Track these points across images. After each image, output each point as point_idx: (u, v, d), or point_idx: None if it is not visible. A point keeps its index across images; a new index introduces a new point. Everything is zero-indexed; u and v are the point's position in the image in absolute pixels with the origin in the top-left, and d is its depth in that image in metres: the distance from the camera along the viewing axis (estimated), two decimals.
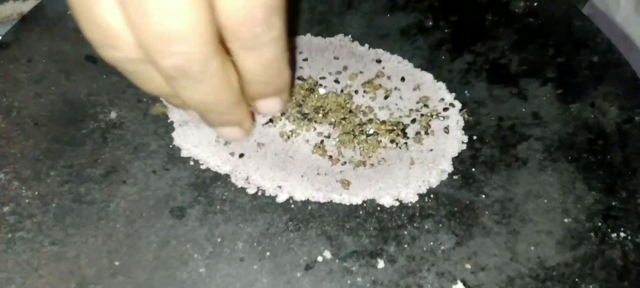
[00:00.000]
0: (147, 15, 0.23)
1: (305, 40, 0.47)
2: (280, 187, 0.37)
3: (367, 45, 0.46)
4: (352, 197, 0.36)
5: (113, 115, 0.40)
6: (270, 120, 0.40)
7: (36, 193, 0.36)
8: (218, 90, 0.27)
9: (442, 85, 0.43)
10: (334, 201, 0.36)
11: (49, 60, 0.43)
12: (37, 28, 0.45)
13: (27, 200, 0.35)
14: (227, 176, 0.38)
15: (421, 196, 0.37)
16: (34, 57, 0.43)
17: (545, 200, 0.36)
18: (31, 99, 0.41)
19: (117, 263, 0.33)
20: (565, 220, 0.35)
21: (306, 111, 0.41)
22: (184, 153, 0.39)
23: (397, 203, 0.36)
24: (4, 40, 0.44)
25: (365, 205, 0.36)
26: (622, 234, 0.34)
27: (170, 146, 0.39)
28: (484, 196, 0.37)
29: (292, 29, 0.47)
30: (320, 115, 0.41)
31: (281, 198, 0.36)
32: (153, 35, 0.24)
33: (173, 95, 0.28)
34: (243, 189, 0.37)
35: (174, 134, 0.39)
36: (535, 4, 0.48)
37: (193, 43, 0.24)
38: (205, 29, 0.24)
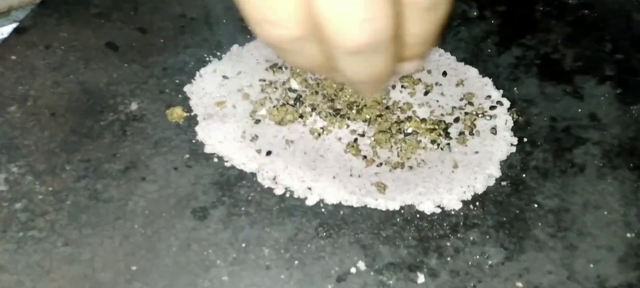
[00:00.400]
0: None
1: None
2: (310, 188, 0.34)
3: None
4: (388, 202, 0.33)
5: (134, 106, 0.38)
6: (301, 116, 0.37)
7: (50, 189, 0.34)
8: (389, 61, 0.24)
9: (488, 81, 0.39)
10: (368, 206, 0.33)
11: (67, 46, 0.41)
12: (57, 13, 0.43)
13: (40, 197, 0.33)
14: (254, 175, 0.35)
15: (466, 203, 0.33)
16: (52, 43, 0.41)
17: (605, 212, 0.33)
18: (48, 87, 0.39)
19: (134, 267, 0.31)
20: (628, 235, 0.32)
21: (339, 107, 0.38)
22: (207, 149, 0.36)
23: (438, 210, 0.33)
24: (21, 25, 0.42)
25: (403, 211, 0.33)
26: None
27: (193, 141, 0.37)
28: (536, 205, 0.33)
29: None
30: (354, 111, 0.38)
31: (311, 200, 0.33)
32: (336, 13, 0.21)
33: (329, 69, 0.26)
34: (270, 190, 0.34)
35: (197, 128, 0.37)
36: None
37: (381, 17, 0.21)
38: None
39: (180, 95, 0.39)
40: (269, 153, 0.35)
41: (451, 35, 0.42)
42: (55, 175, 0.34)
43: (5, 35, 0.46)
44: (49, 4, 0.43)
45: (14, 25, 0.43)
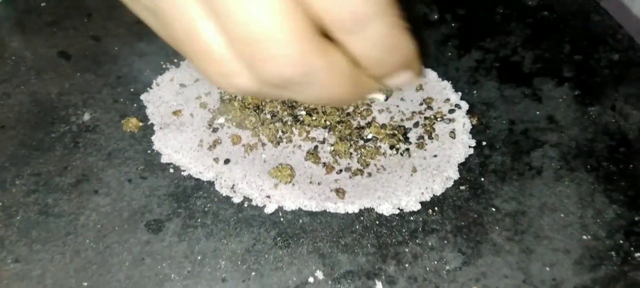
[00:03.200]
0: (233, 19, 0.20)
1: None
2: (268, 196, 0.33)
3: None
4: (347, 206, 0.33)
5: (86, 117, 0.37)
6: (261, 123, 0.37)
7: (0, 204, 0.33)
8: (331, 86, 0.23)
9: (447, 84, 0.39)
10: (328, 210, 0.33)
11: (18, 56, 0.40)
12: (7, 22, 0.42)
13: None
14: (211, 184, 0.34)
15: (425, 207, 0.33)
16: (2, 53, 0.40)
17: (562, 215, 0.33)
18: None
19: (85, 283, 0.30)
20: (584, 237, 0.32)
21: (299, 113, 0.37)
22: (164, 159, 0.35)
23: (397, 211, 0.33)
24: None
25: (362, 218, 0.33)
26: None
27: (149, 152, 0.36)
28: (494, 209, 0.33)
29: None
30: (314, 118, 0.37)
31: (270, 208, 0.33)
32: (244, 42, 0.20)
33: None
34: (228, 199, 0.34)
35: (153, 138, 0.36)
36: None
37: (288, 43, 0.20)
38: (299, 24, 0.20)
39: (135, 105, 0.38)
40: (227, 161, 0.35)
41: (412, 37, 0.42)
42: (4, 190, 0.33)
43: None
44: None
45: None
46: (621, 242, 0.32)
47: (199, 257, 0.31)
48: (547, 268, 0.31)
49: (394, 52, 0.25)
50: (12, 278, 0.30)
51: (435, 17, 0.44)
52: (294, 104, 0.38)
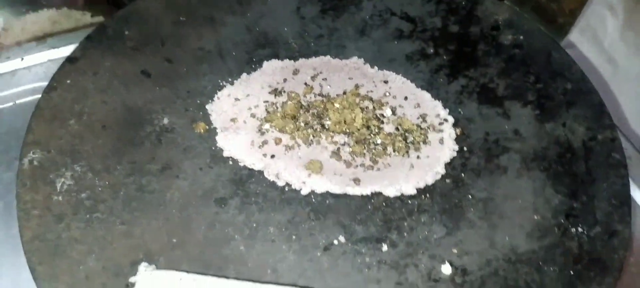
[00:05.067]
0: None
1: (325, 61, 0.55)
2: (304, 182, 0.45)
3: (376, 68, 0.54)
4: (362, 190, 0.45)
5: (165, 121, 0.49)
6: (297, 129, 0.48)
7: (107, 183, 0.44)
8: None
9: (438, 103, 0.51)
10: (348, 193, 0.45)
11: (111, 73, 0.52)
12: (100, 46, 0.53)
13: (99, 189, 0.44)
14: (261, 173, 0.46)
15: (419, 193, 0.45)
16: (98, 70, 0.52)
17: (520, 201, 0.45)
18: (98, 105, 0.49)
19: (174, 240, 0.41)
20: (535, 217, 0.44)
21: (325, 123, 0.49)
22: (225, 154, 0.47)
23: (399, 195, 0.44)
24: (73, 55, 0.52)
25: (373, 200, 0.45)
26: (579, 229, 0.43)
27: (213, 148, 0.47)
28: (470, 196, 0.45)
29: (313, 51, 0.55)
30: (337, 127, 0.49)
31: (305, 191, 0.45)
32: None
33: None
34: (273, 184, 0.45)
35: (217, 138, 0.48)
36: (521, 37, 0.57)
37: None
38: None
39: (201, 112, 0.50)
40: (272, 156, 0.47)
41: (412, 67, 0.54)
42: (109, 173, 0.45)
43: (50, 59, 0.58)
44: (93, 39, 0.54)
45: (52, 50, 0.56)
46: (562, 221, 0.43)
47: (255, 225, 0.43)
48: (507, 238, 0.42)
49: None
50: (121, 236, 0.41)
51: (431, 51, 0.56)
52: (322, 115, 0.50)
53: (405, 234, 0.43)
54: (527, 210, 0.44)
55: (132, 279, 0.39)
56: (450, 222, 0.43)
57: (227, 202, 0.44)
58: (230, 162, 0.47)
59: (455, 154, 0.47)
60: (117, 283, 0.39)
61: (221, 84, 0.52)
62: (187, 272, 0.39)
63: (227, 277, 0.39)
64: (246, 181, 0.45)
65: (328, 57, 0.55)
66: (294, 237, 0.42)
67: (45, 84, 0.50)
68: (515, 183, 0.46)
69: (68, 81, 0.50)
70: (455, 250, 0.42)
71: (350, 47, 0.56)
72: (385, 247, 0.42)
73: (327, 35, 0.57)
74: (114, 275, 0.39)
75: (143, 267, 0.39)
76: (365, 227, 0.43)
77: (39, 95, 0.49)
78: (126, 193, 0.44)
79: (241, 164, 0.46)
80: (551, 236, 0.42)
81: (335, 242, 0.42)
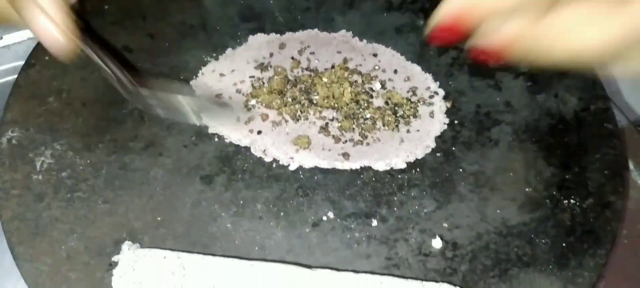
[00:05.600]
0: None
1: (312, 35, 0.54)
2: (292, 158, 0.44)
3: (365, 41, 0.53)
4: (351, 164, 0.44)
5: None
6: (285, 105, 0.47)
7: (88, 161, 0.43)
8: None
9: (428, 76, 0.50)
10: (336, 168, 0.44)
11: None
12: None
13: (81, 167, 0.43)
14: (247, 149, 0.45)
15: (409, 167, 0.44)
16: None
17: (511, 174, 0.44)
18: (78, 82, 0.48)
19: (159, 218, 0.40)
20: (527, 189, 0.43)
21: (313, 97, 0.48)
22: (210, 130, 0.46)
23: (388, 168, 0.44)
24: None
25: (362, 175, 0.44)
26: (572, 201, 0.42)
27: (198, 124, 0.46)
28: (461, 170, 0.44)
29: (300, 25, 0.54)
30: (325, 102, 0.48)
31: (292, 166, 0.44)
32: None
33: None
34: (260, 160, 0.44)
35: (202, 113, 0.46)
36: None
37: None
38: None
39: (185, 89, 0.48)
40: (259, 132, 0.46)
41: (402, 39, 0.53)
42: (91, 151, 0.44)
43: (30, 37, 0.56)
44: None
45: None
46: (554, 193, 0.43)
47: (242, 202, 0.42)
48: (498, 211, 0.42)
49: None
50: (103, 214, 0.40)
51: (421, 22, 0.55)
52: (310, 90, 0.48)
53: (395, 209, 0.42)
54: (519, 182, 0.43)
55: (115, 258, 0.38)
56: (441, 196, 0.43)
57: (213, 179, 0.43)
58: (216, 139, 0.45)
59: (445, 127, 0.47)
60: (100, 262, 0.38)
61: (205, 59, 0.51)
62: (172, 250, 0.38)
63: (213, 255, 0.38)
64: (232, 158, 0.44)
65: (316, 30, 0.54)
66: (282, 213, 0.41)
67: None
68: (507, 155, 0.45)
69: (46, 58, 0.49)
70: (445, 224, 0.41)
71: (339, 20, 0.55)
72: (374, 222, 0.41)
73: (314, 8, 0.55)
74: (97, 254, 0.38)
75: (126, 246, 0.38)
76: (355, 202, 0.42)
77: None
78: (108, 172, 0.43)
79: (227, 141, 0.45)
80: (543, 208, 0.42)
81: (324, 218, 0.41)
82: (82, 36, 0.37)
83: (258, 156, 0.44)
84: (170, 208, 0.41)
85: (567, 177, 0.44)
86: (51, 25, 0.34)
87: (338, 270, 0.38)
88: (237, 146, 0.45)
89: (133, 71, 0.40)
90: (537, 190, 0.43)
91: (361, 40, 0.53)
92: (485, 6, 0.27)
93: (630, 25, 0.24)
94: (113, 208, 0.41)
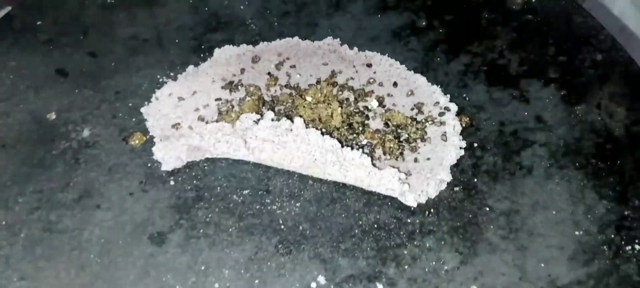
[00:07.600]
0: None
1: (292, 44, 0.44)
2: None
3: (356, 49, 0.44)
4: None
5: (86, 133, 0.38)
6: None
7: (3, 223, 0.33)
8: None
9: (436, 88, 0.40)
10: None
11: (16, 75, 0.40)
12: (4, 41, 0.42)
13: None
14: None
15: (421, 208, 0.34)
16: (0, 73, 0.40)
17: (554, 212, 0.34)
18: None
19: None
20: (576, 232, 0.33)
21: (297, 122, 0.38)
22: (164, 168, 0.36)
23: (394, 210, 0.34)
24: None
25: (361, 221, 0.34)
26: (637, 246, 0.32)
27: (149, 165, 0.36)
28: (487, 208, 0.34)
29: (278, 33, 0.44)
30: (310, 126, 0.38)
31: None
32: None
33: None
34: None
35: (154, 149, 0.37)
36: (533, 0, 0.46)
37: None
38: None
39: (134, 119, 0.39)
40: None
41: (401, 45, 0.43)
42: (7, 208, 0.34)
43: None
44: None
45: None
46: (612, 236, 0.33)
47: (203, 268, 0.32)
48: (542, 265, 0.32)
49: None
50: None
51: (423, 23, 0.45)
52: (291, 112, 0.39)
53: (406, 267, 0.32)
54: (565, 223, 0.33)
55: None
56: (465, 246, 0.33)
57: (167, 237, 0.33)
58: (171, 182, 0.35)
59: (462, 153, 0.37)
60: None
61: (160, 80, 0.41)
62: None
63: None
64: (192, 206, 0.34)
65: (296, 38, 0.45)
66: (256, 281, 0.31)
67: None
68: (545, 187, 0.35)
69: None
70: (474, 287, 0.31)
71: (323, 25, 0.45)
72: (380, 287, 0.31)
73: (294, 12, 0.46)
74: None
75: None
76: (353, 260, 0.32)
77: None
78: (28, 236, 0.33)
79: (187, 186, 0.35)
80: (601, 258, 0.32)
81: (313, 284, 0.31)
82: None
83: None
84: (107, 283, 0.31)
85: (626, 213, 0.34)
86: None
87: None
88: (198, 189, 0.35)
89: None
90: (589, 234, 0.33)
91: (351, 48, 0.44)
92: None
93: None
94: (32, 287, 0.30)
